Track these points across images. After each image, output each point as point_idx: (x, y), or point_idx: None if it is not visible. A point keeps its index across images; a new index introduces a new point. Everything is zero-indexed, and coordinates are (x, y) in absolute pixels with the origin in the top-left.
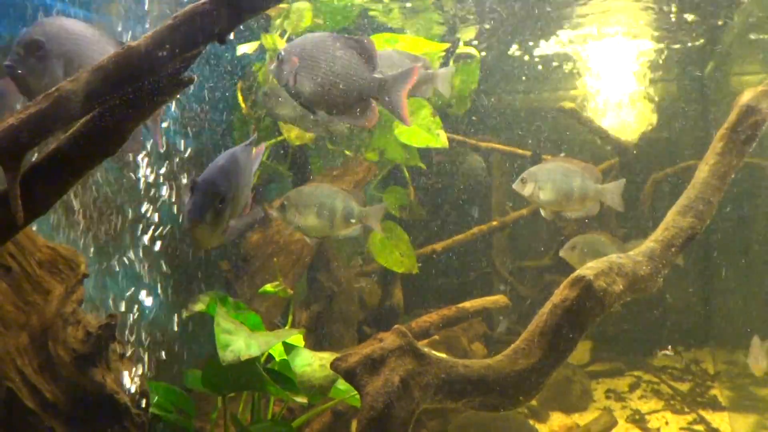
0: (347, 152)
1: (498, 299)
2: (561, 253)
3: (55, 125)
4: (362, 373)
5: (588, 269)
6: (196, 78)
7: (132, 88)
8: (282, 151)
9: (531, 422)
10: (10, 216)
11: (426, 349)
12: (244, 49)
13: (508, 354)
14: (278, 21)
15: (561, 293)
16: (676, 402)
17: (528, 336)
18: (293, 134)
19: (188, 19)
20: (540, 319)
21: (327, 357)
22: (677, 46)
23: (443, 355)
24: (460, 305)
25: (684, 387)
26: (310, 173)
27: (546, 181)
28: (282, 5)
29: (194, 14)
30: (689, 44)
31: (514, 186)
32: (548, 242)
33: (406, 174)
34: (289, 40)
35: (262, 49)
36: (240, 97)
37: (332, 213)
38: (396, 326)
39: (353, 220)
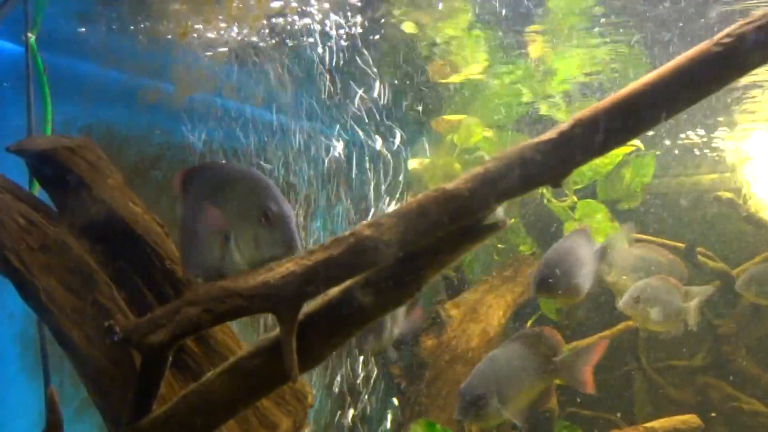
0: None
1: (689, 419)
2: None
3: (347, 273)
4: None
5: None
6: (508, 221)
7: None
8: None
9: None
10: (280, 370)
11: None
12: (413, 164)
13: None
14: (449, 137)
15: None
16: None
17: None
18: None
19: (514, 164)
20: None
21: None
22: None
23: None
24: (648, 425)
25: None
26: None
27: (654, 302)
28: (452, 117)
29: (524, 160)
30: None
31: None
32: (699, 339)
33: None
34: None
35: None
36: None
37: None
38: None
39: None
